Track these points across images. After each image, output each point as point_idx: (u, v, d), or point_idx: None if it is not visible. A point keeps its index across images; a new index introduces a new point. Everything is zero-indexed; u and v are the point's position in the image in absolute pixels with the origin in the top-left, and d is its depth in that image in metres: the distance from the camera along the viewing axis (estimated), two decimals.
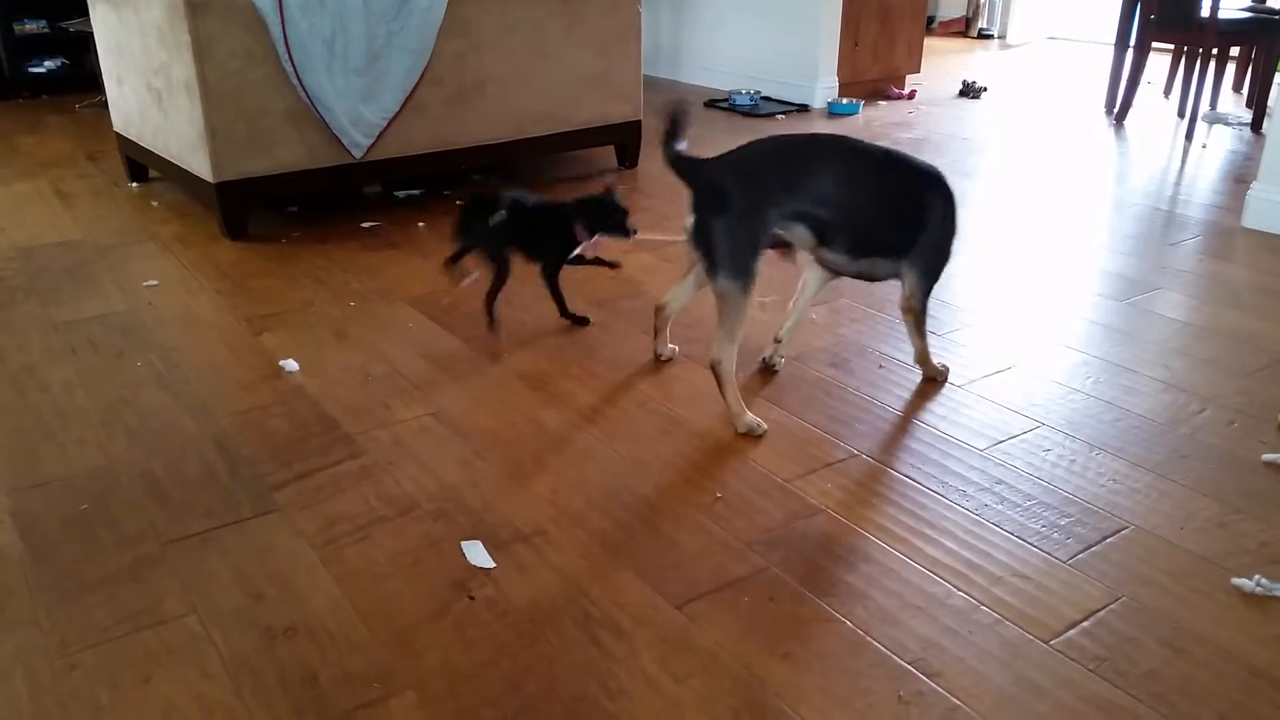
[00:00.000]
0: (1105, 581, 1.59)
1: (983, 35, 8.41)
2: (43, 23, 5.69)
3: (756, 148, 2.05)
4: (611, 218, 2.52)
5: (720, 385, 2.06)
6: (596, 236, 2.54)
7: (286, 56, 3.11)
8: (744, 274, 1.99)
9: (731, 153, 2.03)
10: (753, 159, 2.03)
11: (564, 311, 2.62)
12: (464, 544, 1.69)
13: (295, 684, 1.39)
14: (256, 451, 1.99)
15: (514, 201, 2.54)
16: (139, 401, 2.20)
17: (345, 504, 1.81)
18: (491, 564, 1.64)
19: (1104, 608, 1.53)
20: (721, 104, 5.51)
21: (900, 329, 2.55)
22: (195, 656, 1.44)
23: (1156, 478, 1.88)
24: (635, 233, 2.53)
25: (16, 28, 5.59)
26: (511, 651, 1.45)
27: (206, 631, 1.49)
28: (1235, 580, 1.59)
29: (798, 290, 2.36)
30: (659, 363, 2.37)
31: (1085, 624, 1.50)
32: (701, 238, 2.01)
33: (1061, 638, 1.47)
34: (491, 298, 2.57)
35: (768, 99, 5.56)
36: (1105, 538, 1.70)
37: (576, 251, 2.56)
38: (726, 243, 1.98)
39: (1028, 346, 2.45)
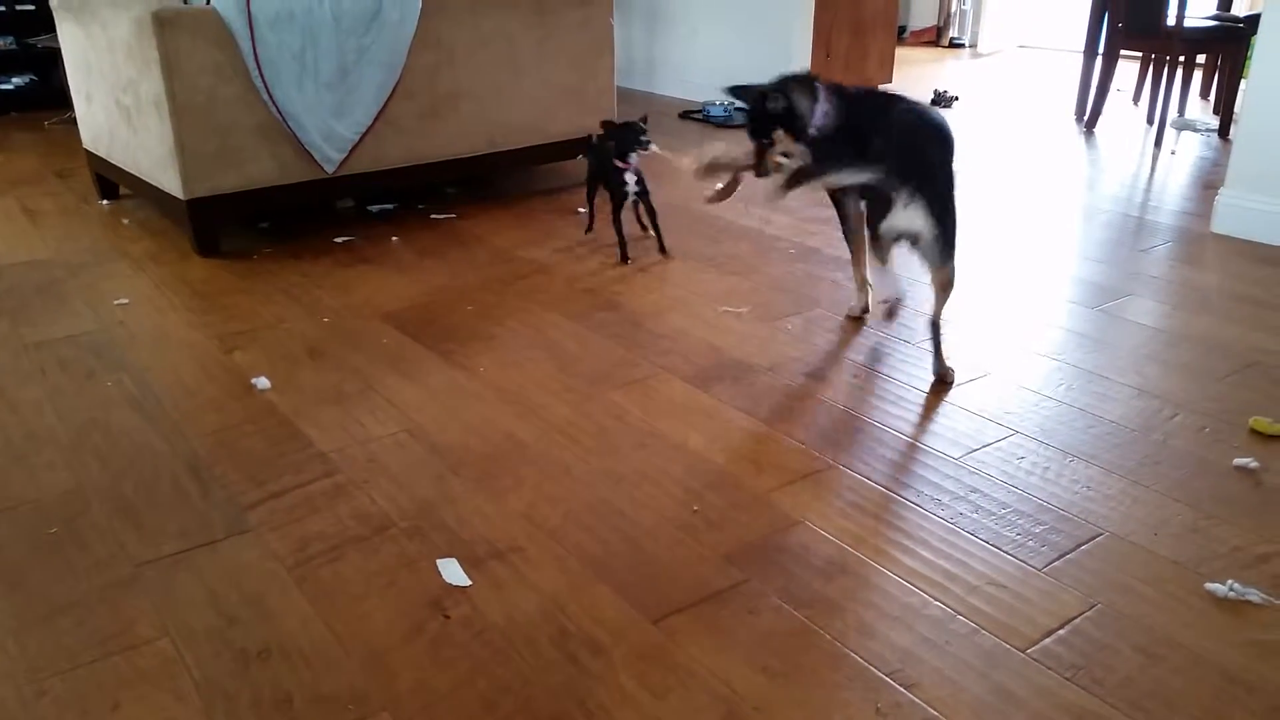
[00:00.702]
0: (1080, 589, 1.60)
1: (954, 44, 8.48)
2: (10, 39, 5.64)
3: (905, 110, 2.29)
4: (631, 137, 2.98)
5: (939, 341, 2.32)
6: (630, 158, 3.01)
7: (256, 72, 3.10)
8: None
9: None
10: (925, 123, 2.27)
11: (625, 254, 3.12)
12: (439, 562, 1.68)
13: (269, 707, 1.38)
14: (229, 471, 1.97)
15: (600, 144, 3.20)
16: (110, 422, 2.17)
17: (319, 523, 1.80)
18: (467, 582, 1.63)
19: (1079, 615, 1.54)
20: (696, 115, 5.53)
21: (869, 337, 2.57)
22: (168, 681, 1.42)
23: (1129, 484, 1.90)
24: (649, 145, 2.99)
25: None
26: (488, 670, 1.44)
27: (179, 655, 1.48)
28: (1208, 585, 1.60)
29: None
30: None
31: (1061, 632, 1.50)
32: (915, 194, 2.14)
33: (1037, 646, 1.47)
34: (611, 214, 3.19)
35: (741, 110, 5.58)
36: (1079, 545, 1.71)
37: (629, 186, 3.04)
38: (943, 216, 2.18)
39: (1001, 354, 2.46)
